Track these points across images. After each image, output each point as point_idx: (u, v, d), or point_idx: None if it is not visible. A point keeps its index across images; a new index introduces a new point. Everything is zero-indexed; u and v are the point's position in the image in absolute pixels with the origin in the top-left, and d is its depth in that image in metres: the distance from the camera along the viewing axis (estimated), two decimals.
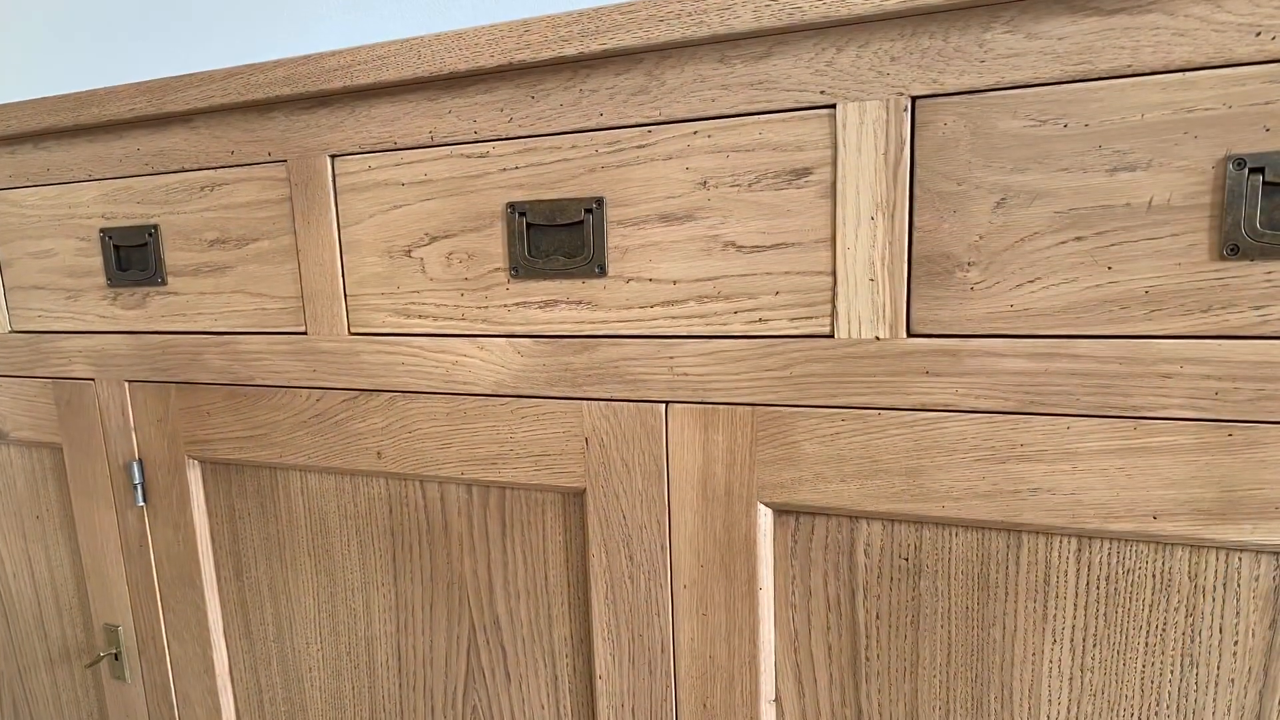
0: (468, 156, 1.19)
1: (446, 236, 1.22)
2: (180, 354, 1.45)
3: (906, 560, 1.06)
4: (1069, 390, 0.96)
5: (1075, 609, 1.01)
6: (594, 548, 1.20)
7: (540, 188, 1.16)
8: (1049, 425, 0.97)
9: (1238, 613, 0.95)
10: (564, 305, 1.16)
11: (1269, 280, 0.88)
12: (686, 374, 1.11)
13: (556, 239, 1.15)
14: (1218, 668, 0.96)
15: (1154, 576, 0.97)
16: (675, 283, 1.10)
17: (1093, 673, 1.01)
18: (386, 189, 1.25)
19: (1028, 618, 1.02)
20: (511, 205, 1.17)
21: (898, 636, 1.09)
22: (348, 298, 1.30)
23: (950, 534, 1.04)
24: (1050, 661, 1.03)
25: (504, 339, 1.20)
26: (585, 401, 1.17)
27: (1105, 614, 0.99)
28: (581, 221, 1.13)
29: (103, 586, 1.65)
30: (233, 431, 1.44)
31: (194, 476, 1.51)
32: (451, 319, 1.23)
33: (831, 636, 1.12)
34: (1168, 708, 0.99)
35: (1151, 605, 0.98)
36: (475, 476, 1.25)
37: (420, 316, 1.25)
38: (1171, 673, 0.98)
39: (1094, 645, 1.00)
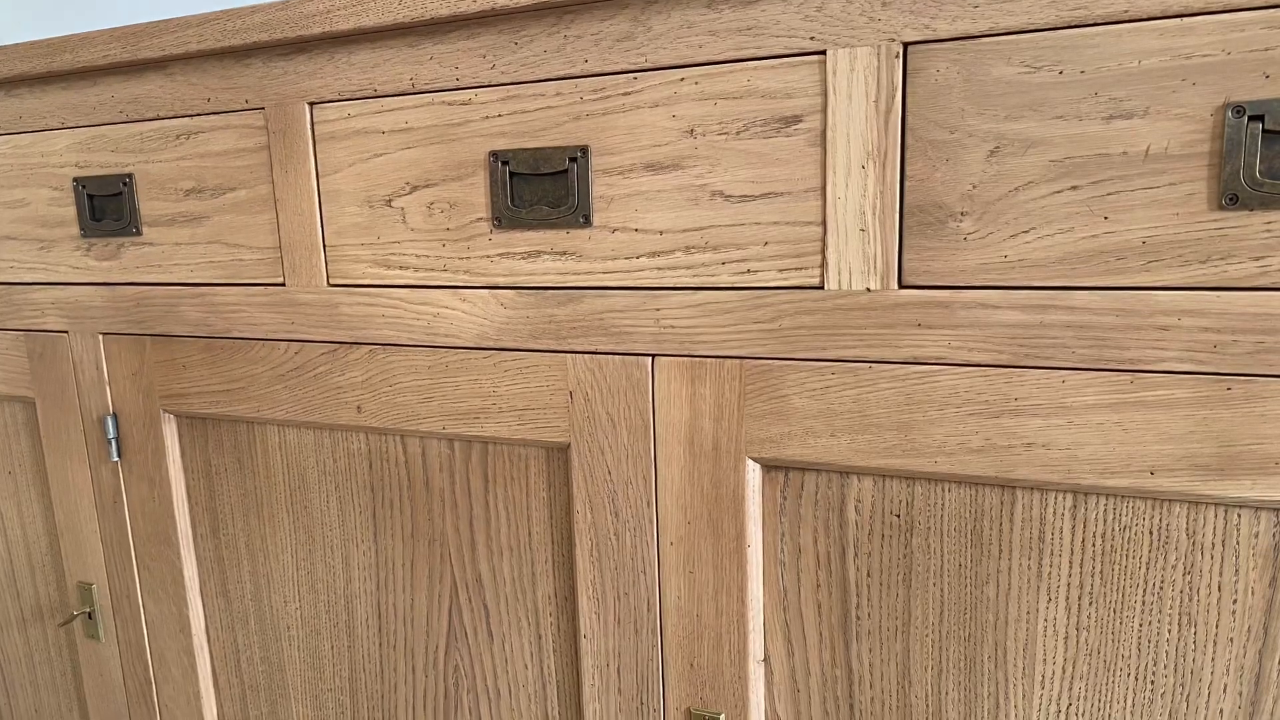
0: (449, 104, 1.17)
1: (428, 186, 1.20)
2: (155, 306, 1.43)
3: (898, 517, 1.05)
4: (1064, 343, 0.94)
5: (1071, 566, 0.99)
6: (578, 504, 1.18)
7: (524, 136, 1.13)
8: (1044, 379, 0.95)
9: (1237, 570, 0.93)
10: (548, 256, 1.15)
11: (1269, 230, 0.87)
12: (673, 326, 1.09)
13: (540, 188, 1.13)
14: (1216, 626, 0.95)
15: (1151, 533, 0.96)
16: (661, 233, 1.09)
17: (1088, 631, 1.00)
18: (366, 137, 1.22)
19: (1022, 575, 1.01)
20: (494, 154, 1.14)
21: (889, 595, 1.07)
22: (326, 248, 1.28)
23: (943, 490, 1.02)
24: (1045, 620, 1.01)
25: (486, 290, 1.18)
26: (569, 354, 1.15)
27: (1101, 572, 0.98)
28: (566, 170, 1.11)
29: (76, 544, 1.63)
30: (209, 385, 1.42)
31: (169, 431, 1.49)
32: (433, 270, 1.21)
33: (821, 595, 1.10)
34: (1165, 667, 0.98)
35: (1149, 563, 0.96)
36: (457, 431, 1.24)
37: (401, 268, 1.23)
38: (1169, 631, 0.97)
39: (1090, 604, 0.99)
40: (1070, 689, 1.02)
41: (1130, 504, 0.96)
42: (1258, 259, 0.87)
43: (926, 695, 1.08)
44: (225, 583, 1.52)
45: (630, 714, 1.21)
